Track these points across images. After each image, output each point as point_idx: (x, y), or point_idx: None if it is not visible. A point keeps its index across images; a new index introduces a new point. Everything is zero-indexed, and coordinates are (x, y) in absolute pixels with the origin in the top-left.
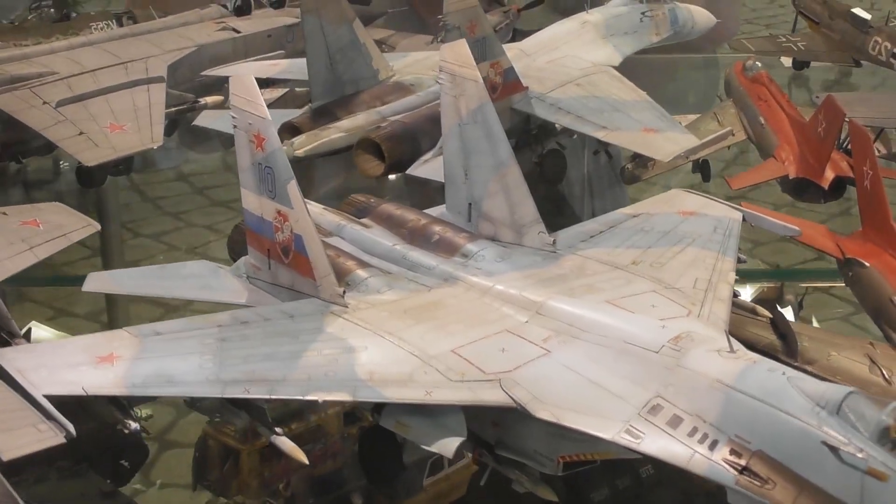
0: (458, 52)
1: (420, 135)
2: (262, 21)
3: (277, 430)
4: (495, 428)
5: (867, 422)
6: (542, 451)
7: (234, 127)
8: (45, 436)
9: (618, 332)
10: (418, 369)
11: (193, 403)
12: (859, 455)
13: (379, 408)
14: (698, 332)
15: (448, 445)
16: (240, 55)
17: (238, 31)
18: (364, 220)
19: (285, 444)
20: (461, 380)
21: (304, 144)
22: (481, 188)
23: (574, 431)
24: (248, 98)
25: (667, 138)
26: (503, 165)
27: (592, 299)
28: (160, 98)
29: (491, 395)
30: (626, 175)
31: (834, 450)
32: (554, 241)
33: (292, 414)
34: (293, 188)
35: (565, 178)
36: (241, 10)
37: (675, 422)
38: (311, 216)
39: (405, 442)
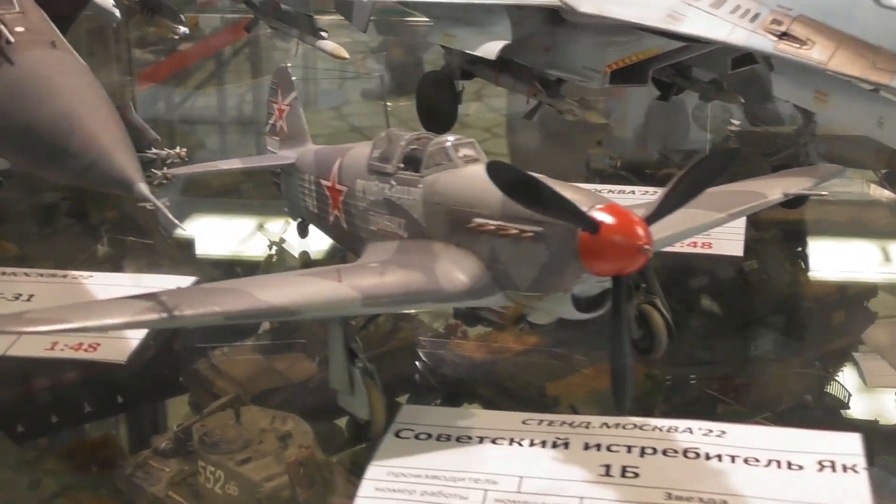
0: None
1: None
2: None
3: (323, 33)
4: (546, 52)
5: None
6: (590, 65)
7: None
8: None
9: None
10: None
11: (253, 24)
12: None
13: None
14: None
15: (493, 48)
16: None
17: None
18: None
19: (328, 44)
20: None
21: None
22: None
23: (618, 23)
24: None
25: None
26: None
27: None
28: None
29: None
30: None
31: None
32: None
33: None
34: None
35: None
36: None
37: (717, 3)
38: None
39: (461, 92)
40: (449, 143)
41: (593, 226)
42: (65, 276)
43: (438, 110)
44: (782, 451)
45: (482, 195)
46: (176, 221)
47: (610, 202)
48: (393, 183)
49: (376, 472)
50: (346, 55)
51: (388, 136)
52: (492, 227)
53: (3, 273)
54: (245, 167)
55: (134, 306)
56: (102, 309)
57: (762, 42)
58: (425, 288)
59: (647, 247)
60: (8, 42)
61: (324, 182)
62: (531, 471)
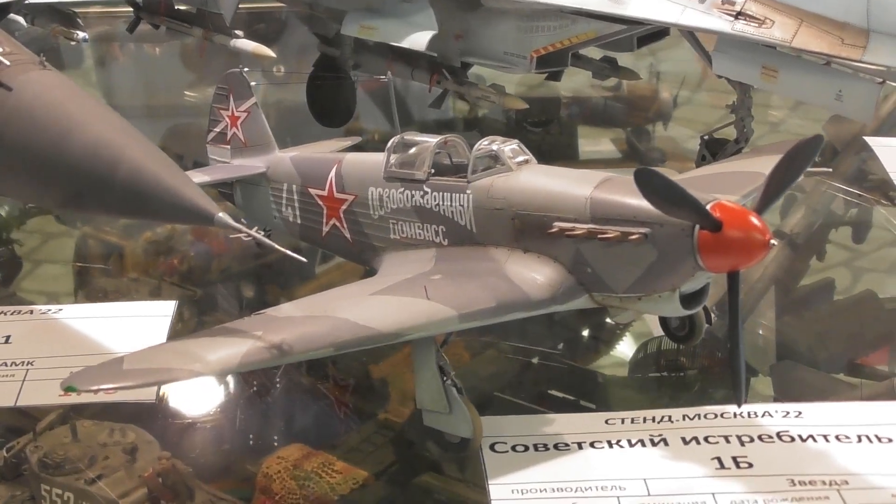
0: None
1: None
2: None
3: (237, 32)
4: (458, 40)
5: None
6: (512, 51)
7: None
8: None
9: None
10: None
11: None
12: None
13: None
14: None
15: (420, 39)
16: None
17: None
18: None
19: (247, 44)
20: None
21: None
22: None
23: (556, 8)
24: None
25: None
26: None
27: None
28: None
29: None
30: None
31: None
32: None
33: None
34: None
35: None
36: None
37: None
38: None
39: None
40: (496, 146)
41: (715, 224)
42: (31, 312)
43: (334, 103)
44: (864, 426)
45: (561, 198)
46: (276, 246)
47: (716, 198)
48: (427, 189)
49: (500, 492)
50: (272, 54)
51: (405, 142)
52: (581, 231)
53: None
54: (215, 179)
55: (237, 345)
56: (204, 350)
57: (717, 23)
58: (514, 298)
59: (772, 241)
60: None
61: (314, 191)
62: (650, 472)
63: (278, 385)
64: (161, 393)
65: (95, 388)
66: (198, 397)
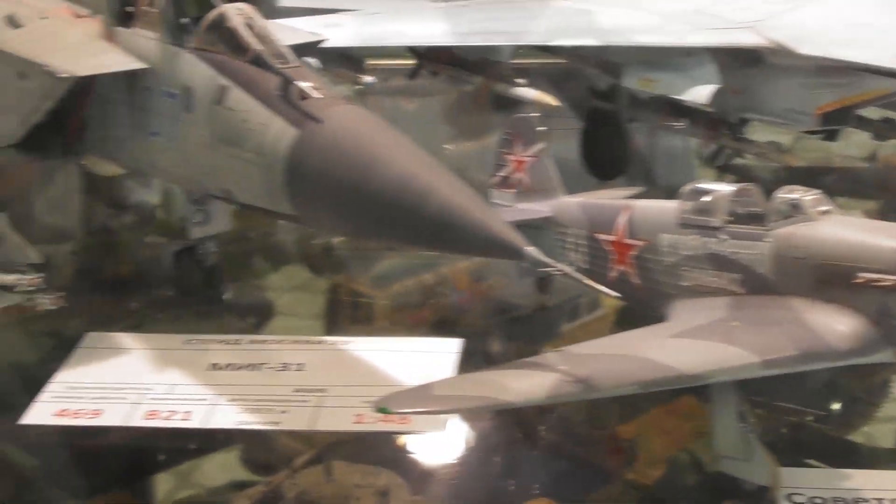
0: None
1: None
2: None
3: (519, 80)
4: (737, 95)
5: None
6: (796, 108)
7: None
8: None
9: None
10: (665, 21)
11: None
12: None
13: None
14: None
15: (701, 93)
16: None
17: None
18: None
19: (530, 92)
20: (711, 27)
21: None
22: None
23: (840, 64)
24: None
25: None
26: None
27: None
28: None
29: (745, 38)
30: None
31: None
32: None
33: None
34: None
35: None
36: None
37: None
38: None
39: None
40: (798, 196)
41: None
42: (320, 343)
43: (609, 156)
44: None
45: (867, 249)
46: (586, 280)
47: None
48: (723, 237)
49: None
50: (555, 102)
51: (698, 189)
52: (890, 283)
53: (254, 342)
54: None
55: (543, 377)
56: (510, 381)
57: None
58: (816, 347)
59: None
60: (304, 97)
61: (602, 237)
62: None
63: (535, 435)
64: (411, 435)
65: (407, 410)
66: (448, 442)
